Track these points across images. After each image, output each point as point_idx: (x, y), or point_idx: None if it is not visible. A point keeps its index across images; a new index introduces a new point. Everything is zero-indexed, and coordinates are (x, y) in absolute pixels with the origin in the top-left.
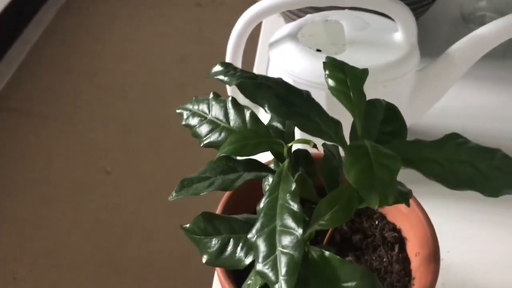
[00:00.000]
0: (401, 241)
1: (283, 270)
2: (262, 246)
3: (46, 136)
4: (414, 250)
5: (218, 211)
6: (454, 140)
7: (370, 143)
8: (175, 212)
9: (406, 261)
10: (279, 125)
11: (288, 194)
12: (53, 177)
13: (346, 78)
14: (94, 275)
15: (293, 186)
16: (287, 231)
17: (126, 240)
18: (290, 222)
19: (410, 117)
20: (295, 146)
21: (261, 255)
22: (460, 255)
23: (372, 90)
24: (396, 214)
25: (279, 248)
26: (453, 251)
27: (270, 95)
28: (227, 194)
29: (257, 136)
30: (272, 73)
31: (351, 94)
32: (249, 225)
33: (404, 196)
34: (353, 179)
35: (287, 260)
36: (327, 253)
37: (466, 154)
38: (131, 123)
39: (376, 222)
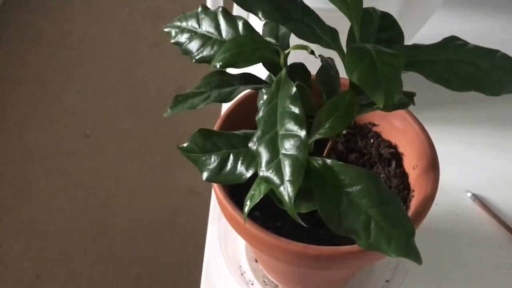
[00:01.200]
0: (398, 157)
1: (287, 172)
2: (264, 152)
3: (19, 103)
4: (412, 163)
5: (216, 128)
6: (453, 42)
7: (370, 45)
8: (159, 171)
9: (404, 175)
10: (272, 40)
11: (288, 99)
12: (31, 144)
13: None
14: (81, 239)
15: (293, 90)
16: (289, 134)
17: (111, 202)
18: (292, 125)
19: None
20: (290, 59)
21: (264, 161)
22: (451, 177)
23: None
24: (392, 130)
25: (282, 152)
26: (448, 171)
27: (262, 0)
28: (224, 113)
29: (253, 41)
30: None
31: None
32: (249, 139)
33: (409, 95)
34: (357, 78)
35: (291, 161)
36: (328, 160)
37: (466, 55)
38: (106, 84)
39: (372, 141)
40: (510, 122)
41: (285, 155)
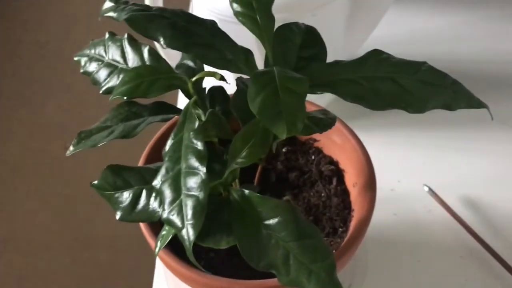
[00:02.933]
0: (339, 174)
1: (189, 214)
2: (167, 192)
3: None
4: (352, 181)
5: (140, 163)
6: (376, 57)
7: (279, 69)
8: None
9: (345, 193)
10: (190, 63)
11: (192, 133)
12: (11, 158)
13: (252, 0)
14: (66, 254)
15: (197, 123)
16: (191, 172)
17: (95, 215)
18: (194, 162)
19: (347, 49)
20: (211, 82)
21: (167, 201)
22: (410, 184)
23: (300, 21)
24: (332, 146)
25: (184, 191)
26: (403, 180)
27: (164, 26)
28: (150, 144)
29: (153, 72)
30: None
31: (258, 17)
32: None
33: (317, 122)
34: (257, 109)
35: (193, 202)
36: (246, 191)
37: (388, 70)
38: (86, 95)
39: (313, 157)
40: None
41: (186, 195)
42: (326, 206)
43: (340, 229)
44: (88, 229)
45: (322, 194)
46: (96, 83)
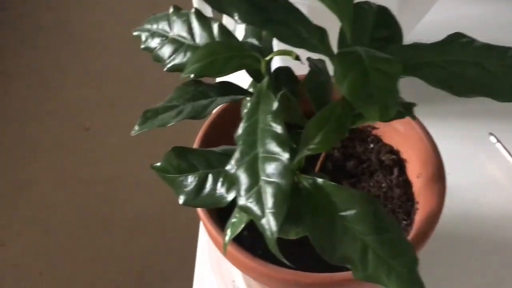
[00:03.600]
0: (400, 164)
1: (269, 202)
2: (243, 177)
3: (17, 96)
4: (415, 171)
5: (195, 145)
6: (458, 40)
7: (364, 48)
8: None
9: (407, 184)
10: (254, 41)
11: (269, 116)
12: (29, 139)
13: None
14: (83, 235)
15: (275, 105)
16: (271, 157)
17: (113, 196)
18: (273, 146)
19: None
20: (275, 62)
21: (242, 188)
22: (461, 178)
23: None
24: (393, 135)
25: (263, 178)
26: (454, 172)
27: (239, 0)
28: (204, 127)
29: (228, 49)
30: None
31: None
32: (228, 157)
33: (407, 107)
34: (347, 90)
35: (273, 190)
36: (320, 180)
37: (473, 55)
38: (105, 75)
39: (371, 146)
40: None
41: (266, 181)
42: (387, 198)
43: (404, 222)
44: (106, 210)
45: (383, 185)
46: (159, 59)
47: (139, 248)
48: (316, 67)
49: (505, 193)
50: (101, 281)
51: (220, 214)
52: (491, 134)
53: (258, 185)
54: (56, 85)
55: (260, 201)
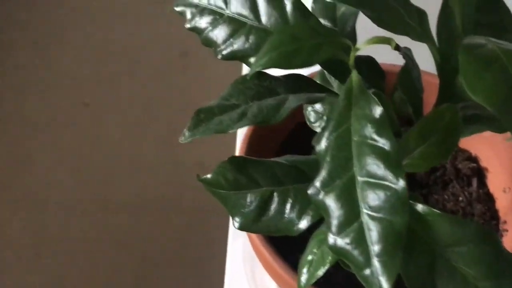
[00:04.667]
0: (480, 173)
1: (376, 246)
2: (335, 208)
3: (13, 69)
4: (501, 184)
5: (241, 150)
6: None
7: (489, 40)
8: (164, 141)
9: (489, 199)
10: (327, 23)
11: (370, 125)
12: (28, 113)
13: None
14: (82, 214)
15: (378, 110)
16: (377, 183)
17: (113, 175)
18: (380, 169)
19: None
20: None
21: (335, 222)
22: None
23: None
24: (472, 138)
25: (366, 211)
26: None
27: None
28: (248, 130)
29: (314, 35)
30: None
31: None
32: (299, 171)
33: None
34: (485, 98)
35: (383, 229)
36: (419, 206)
37: None
38: (106, 48)
39: None
40: None
41: (371, 217)
42: (466, 214)
43: None
44: (106, 189)
45: (460, 198)
46: (210, 44)
47: (140, 231)
48: (409, 60)
49: None
50: (100, 265)
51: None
52: None
53: (359, 221)
54: (54, 57)
55: (362, 244)
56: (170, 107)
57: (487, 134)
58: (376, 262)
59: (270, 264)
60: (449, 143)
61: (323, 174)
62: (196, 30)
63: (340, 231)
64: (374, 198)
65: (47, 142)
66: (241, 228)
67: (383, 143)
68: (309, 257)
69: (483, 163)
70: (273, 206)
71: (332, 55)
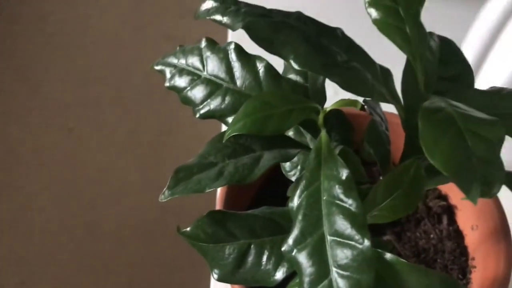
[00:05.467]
0: (450, 210)
1: None
2: (307, 265)
3: None
4: (469, 221)
5: (219, 203)
6: None
7: (447, 102)
8: (148, 165)
9: (458, 235)
10: (298, 78)
11: (337, 186)
12: (10, 139)
13: (398, 5)
14: (67, 241)
15: (345, 173)
16: (344, 243)
17: (98, 201)
18: (347, 228)
19: None
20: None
21: (307, 279)
22: None
23: None
24: None
25: (335, 269)
26: None
27: (295, 39)
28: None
29: (285, 101)
30: None
31: (407, 28)
32: (275, 223)
33: (510, 179)
34: (440, 161)
35: (351, 286)
36: (388, 255)
37: None
38: (89, 73)
39: None
40: None
41: (340, 275)
42: (438, 251)
43: (460, 281)
44: (91, 215)
45: (431, 236)
46: (189, 102)
47: (126, 256)
48: (377, 115)
49: None
50: None
51: None
52: None
53: (329, 278)
54: (38, 83)
55: None
56: (154, 131)
57: None
58: None
59: None
60: (414, 196)
61: (295, 232)
62: (175, 89)
63: (311, 286)
64: (342, 256)
65: (31, 168)
66: (220, 279)
67: (349, 203)
68: None
69: (453, 201)
70: (250, 258)
71: (303, 118)
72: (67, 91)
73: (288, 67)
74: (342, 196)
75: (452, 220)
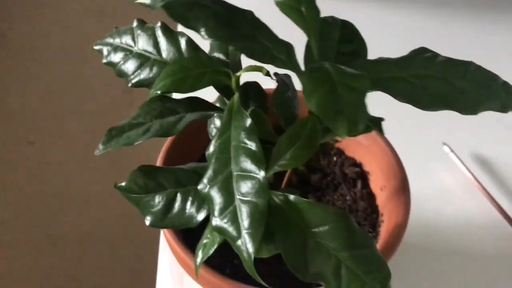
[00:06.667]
0: (363, 176)
1: (245, 222)
2: (217, 197)
3: None
4: (379, 184)
5: (158, 163)
6: (422, 55)
7: (332, 64)
8: (110, 176)
9: (371, 197)
10: (221, 56)
11: (243, 132)
12: None
13: None
14: (31, 253)
15: (248, 122)
16: (246, 175)
17: (60, 212)
18: (248, 164)
19: None
20: (244, 77)
21: (217, 208)
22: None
23: None
24: (356, 147)
25: (239, 197)
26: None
27: (206, 15)
28: (167, 142)
29: (199, 65)
30: None
31: (303, 9)
32: (199, 175)
33: (376, 122)
34: (315, 107)
35: (250, 209)
36: (292, 196)
37: (437, 69)
38: (50, 87)
39: (335, 159)
40: None
41: (242, 201)
42: (352, 210)
43: (370, 234)
44: (54, 226)
45: (347, 198)
46: (122, 75)
47: (91, 266)
48: (283, 82)
49: (460, 201)
50: None
51: (187, 234)
52: (444, 144)
53: (234, 205)
54: None
55: (235, 222)
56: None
57: (367, 143)
58: (245, 234)
59: (177, 252)
60: (312, 146)
61: (209, 172)
62: (111, 64)
63: (220, 214)
64: (244, 186)
65: None
66: (151, 224)
67: (250, 145)
68: (204, 241)
69: (366, 167)
70: (177, 204)
71: (215, 80)
72: (28, 105)
73: (213, 46)
74: (245, 140)
75: (366, 184)
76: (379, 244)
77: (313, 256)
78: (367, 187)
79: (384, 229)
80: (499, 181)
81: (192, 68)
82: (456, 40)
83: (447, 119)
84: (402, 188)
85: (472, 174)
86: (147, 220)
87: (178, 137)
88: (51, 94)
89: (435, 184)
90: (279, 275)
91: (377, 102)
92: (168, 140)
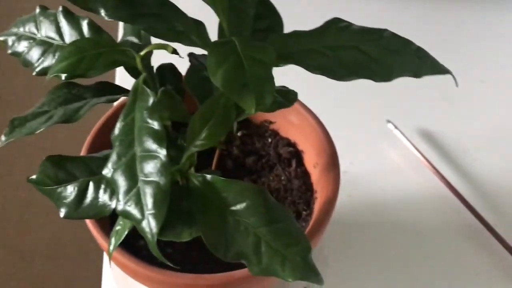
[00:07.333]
0: (298, 155)
1: (149, 203)
2: (121, 180)
3: None
4: (312, 161)
5: (83, 152)
6: (336, 25)
7: (239, 38)
8: None
9: (305, 175)
10: (134, 39)
11: (145, 112)
12: None
13: None
14: None
15: (151, 100)
16: (148, 155)
17: (26, 223)
18: (150, 144)
19: None
20: (157, 60)
21: (121, 191)
22: (363, 166)
23: None
24: (289, 127)
25: (142, 178)
26: (356, 161)
27: None
28: (92, 132)
29: (95, 45)
30: None
31: None
32: None
33: (285, 95)
34: (220, 81)
35: (153, 189)
36: (209, 176)
37: (351, 38)
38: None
39: (269, 140)
40: None
41: (144, 182)
42: (287, 190)
43: (304, 212)
44: (19, 238)
45: (282, 178)
46: (27, 64)
47: (61, 276)
48: (197, 62)
49: (405, 178)
50: None
51: (110, 224)
52: (388, 121)
53: (137, 187)
54: None
55: (139, 203)
56: (78, 150)
57: (298, 122)
58: (148, 215)
59: (101, 243)
60: (225, 124)
61: (113, 156)
62: (16, 54)
63: (125, 197)
64: (147, 167)
65: None
66: (66, 216)
67: (153, 124)
68: (117, 228)
69: (300, 146)
70: (90, 193)
71: (114, 61)
72: None
73: (126, 30)
74: (148, 119)
75: (300, 163)
76: (312, 221)
77: (233, 235)
78: (301, 166)
79: (317, 205)
80: (444, 155)
81: (87, 48)
82: (446, 29)
83: (390, 96)
84: (332, 164)
85: (418, 150)
86: (61, 212)
87: (104, 127)
88: (1, 104)
89: (381, 161)
90: (211, 259)
91: (323, 83)
92: (93, 130)
